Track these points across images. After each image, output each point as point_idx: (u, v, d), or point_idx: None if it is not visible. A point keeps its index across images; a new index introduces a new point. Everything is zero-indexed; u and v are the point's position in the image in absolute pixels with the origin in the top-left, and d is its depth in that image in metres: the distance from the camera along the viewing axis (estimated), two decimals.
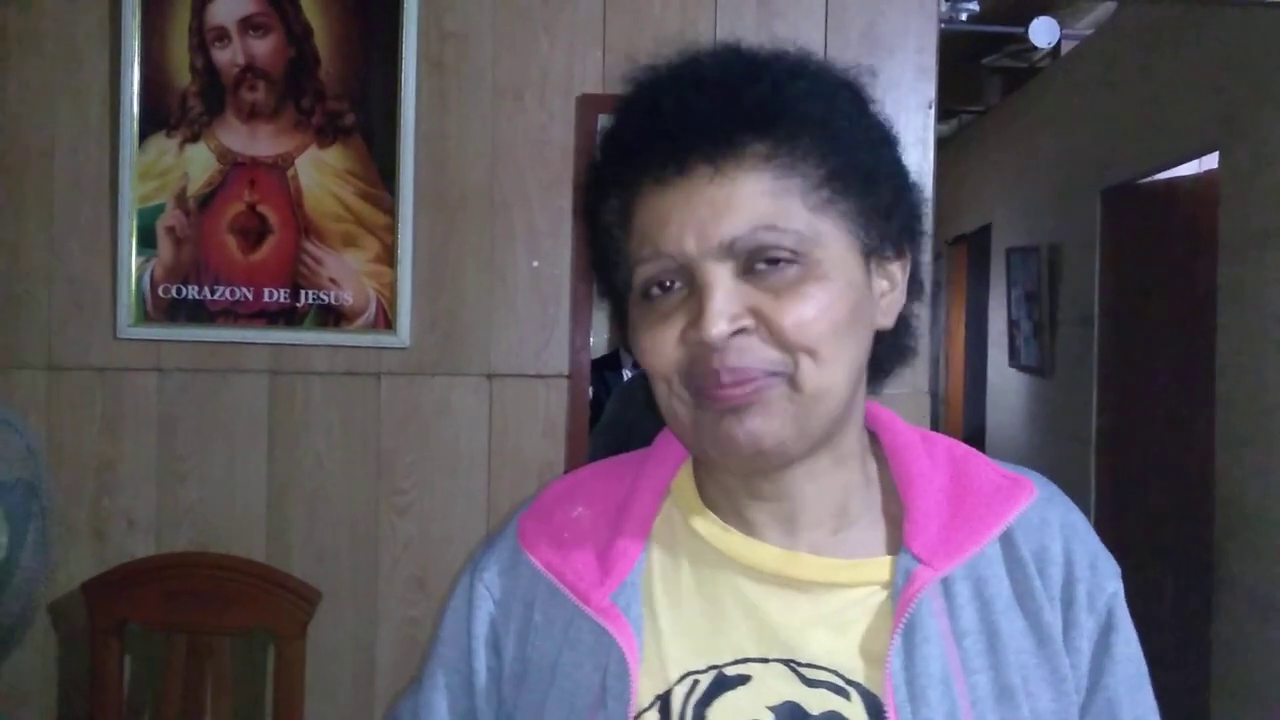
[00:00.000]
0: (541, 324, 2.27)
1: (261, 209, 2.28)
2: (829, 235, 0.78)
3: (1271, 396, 2.94)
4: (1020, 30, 4.81)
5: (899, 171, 0.84)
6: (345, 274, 2.27)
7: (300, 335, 2.27)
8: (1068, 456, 4.40)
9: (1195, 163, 3.74)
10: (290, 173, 2.28)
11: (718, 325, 0.75)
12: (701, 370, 0.77)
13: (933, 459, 0.87)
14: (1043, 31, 4.87)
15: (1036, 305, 4.98)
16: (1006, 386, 5.52)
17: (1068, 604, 0.83)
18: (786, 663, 0.80)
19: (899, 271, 0.84)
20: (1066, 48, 5.17)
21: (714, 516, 0.86)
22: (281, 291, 2.28)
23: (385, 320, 2.27)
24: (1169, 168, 3.83)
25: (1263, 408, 2.99)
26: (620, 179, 0.81)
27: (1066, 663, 0.82)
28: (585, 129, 2.24)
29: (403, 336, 2.26)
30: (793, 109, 0.78)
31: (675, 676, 0.80)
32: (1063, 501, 0.88)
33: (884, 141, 0.83)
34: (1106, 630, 0.84)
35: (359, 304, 2.27)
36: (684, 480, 0.90)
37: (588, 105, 2.24)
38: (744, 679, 0.80)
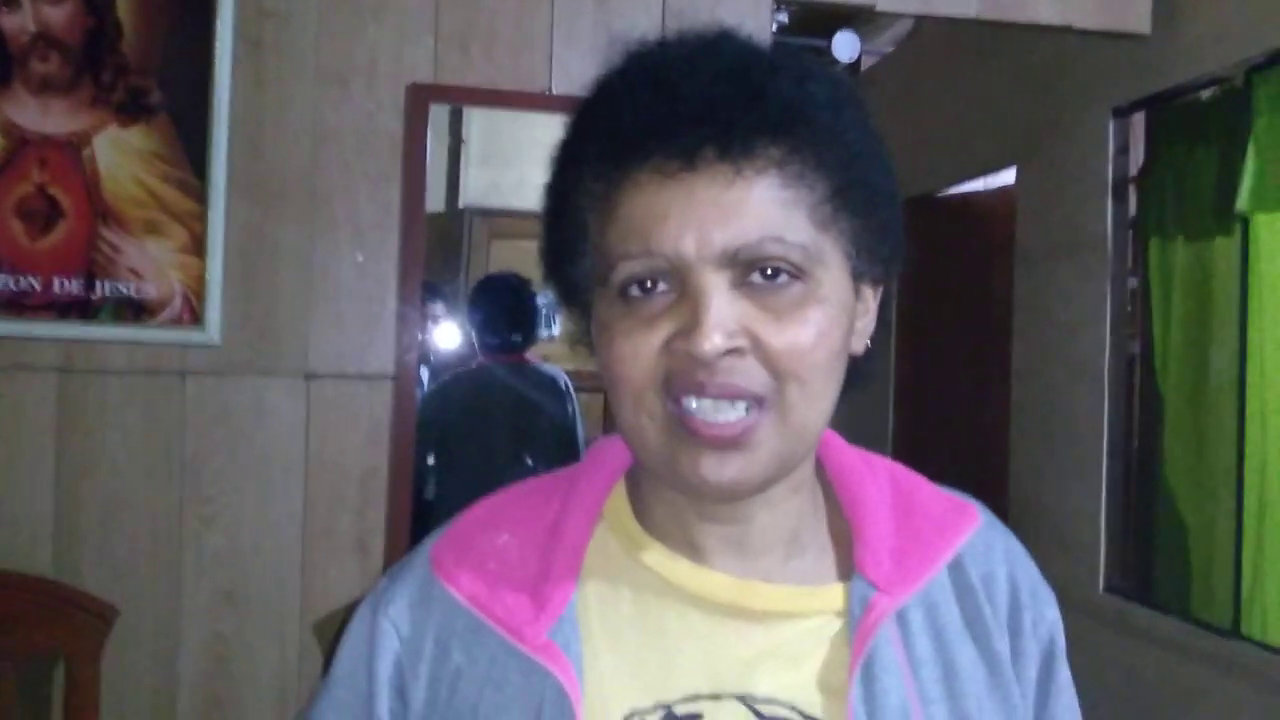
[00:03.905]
0: (365, 322, 2.16)
1: (52, 190, 2.08)
2: (829, 254, 0.73)
3: (1061, 401, 3.10)
4: (823, 43, 4.93)
5: (894, 192, 0.78)
6: (147, 264, 2.10)
7: (95, 330, 2.09)
8: None
9: (981, 180, 3.93)
10: (86, 153, 2.09)
11: (713, 339, 0.68)
12: (684, 385, 0.70)
13: (876, 481, 0.84)
14: (844, 46, 5.01)
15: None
16: None
17: (1015, 632, 0.82)
18: (741, 699, 0.75)
19: (872, 296, 0.80)
20: (867, 63, 5.34)
21: (656, 542, 0.80)
22: (74, 281, 2.08)
23: (192, 315, 2.11)
24: (967, 181, 4.00)
25: (1053, 412, 3.15)
26: (608, 161, 0.72)
27: (1016, 690, 0.80)
28: (416, 119, 2.14)
29: (211, 333, 2.11)
30: (812, 114, 0.72)
31: (619, 717, 0.74)
32: (1002, 528, 0.87)
33: (884, 159, 0.78)
34: (1049, 658, 0.83)
35: (163, 296, 2.10)
36: (618, 502, 0.83)
37: (418, 95, 2.15)
38: (695, 718, 0.74)
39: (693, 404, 0.70)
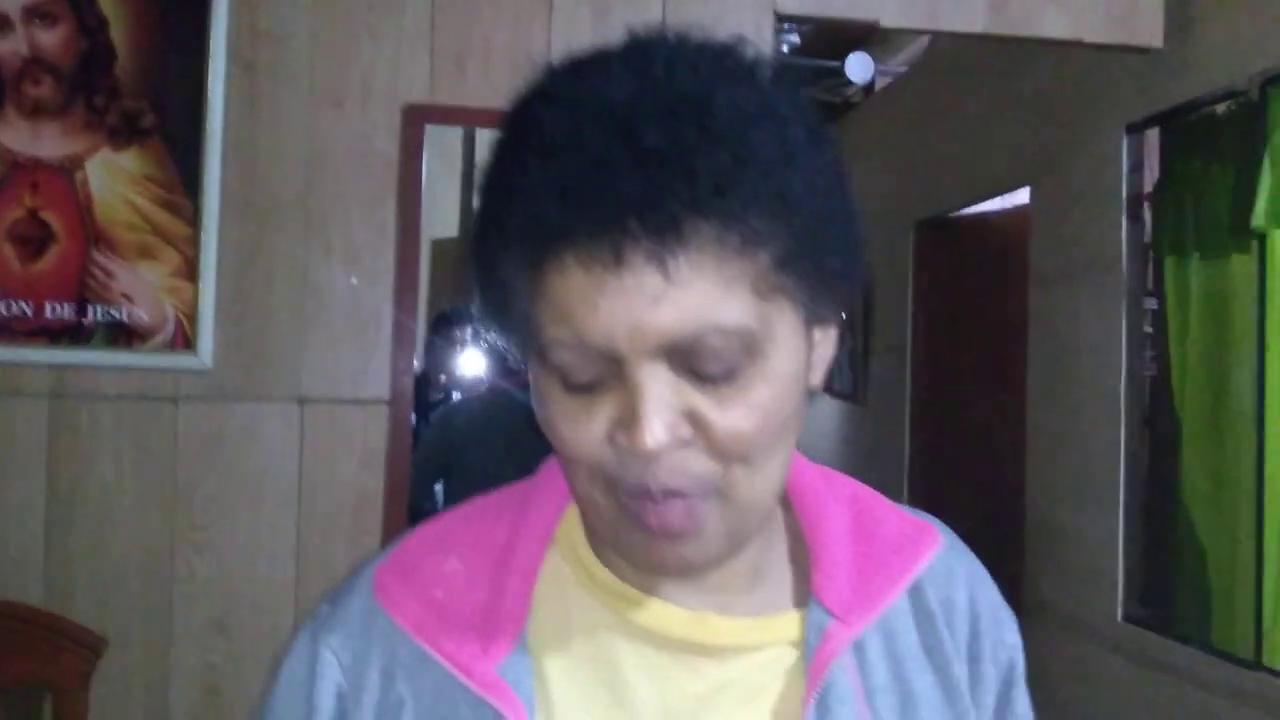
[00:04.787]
0: (360, 346, 2.13)
1: (44, 215, 2.06)
2: (778, 322, 0.66)
3: (1077, 424, 3.03)
4: (837, 64, 4.90)
5: (854, 235, 0.70)
6: (140, 288, 2.07)
7: (87, 355, 2.06)
8: (881, 483, 4.46)
9: (999, 199, 3.88)
10: (79, 176, 2.07)
11: (653, 438, 0.63)
12: (631, 483, 0.66)
13: (836, 501, 0.81)
14: (858, 67, 4.99)
15: (850, 334, 5.08)
16: (820, 413, 5.61)
17: (974, 658, 0.79)
18: None
19: (832, 326, 0.74)
20: (881, 84, 5.31)
21: (608, 572, 0.76)
22: (66, 306, 2.06)
23: (184, 340, 2.08)
24: (981, 202, 3.95)
25: (1069, 436, 3.09)
26: (532, 238, 0.65)
27: (974, 718, 0.77)
28: (411, 140, 2.11)
29: (204, 358, 2.08)
30: (754, 179, 0.63)
31: None
32: (964, 550, 0.84)
33: (842, 201, 0.69)
34: (1008, 685, 0.81)
35: (155, 321, 2.08)
36: (571, 525, 0.78)
37: (414, 115, 2.12)
38: None
39: (638, 505, 0.67)
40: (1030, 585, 3.29)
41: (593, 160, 0.63)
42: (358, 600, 0.77)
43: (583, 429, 0.66)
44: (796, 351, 0.68)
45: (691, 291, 0.63)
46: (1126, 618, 2.74)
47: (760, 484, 0.69)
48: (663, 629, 0.74)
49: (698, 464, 0.65)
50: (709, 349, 0.64)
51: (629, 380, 0.64)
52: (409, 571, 0.76)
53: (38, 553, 2.03)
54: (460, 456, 3.14)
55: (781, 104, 0.67)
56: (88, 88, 2.08)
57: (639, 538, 0.68)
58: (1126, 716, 2.69)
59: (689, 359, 0.64)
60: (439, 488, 3.26)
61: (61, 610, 2.00)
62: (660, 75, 0.65)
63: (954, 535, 0.84)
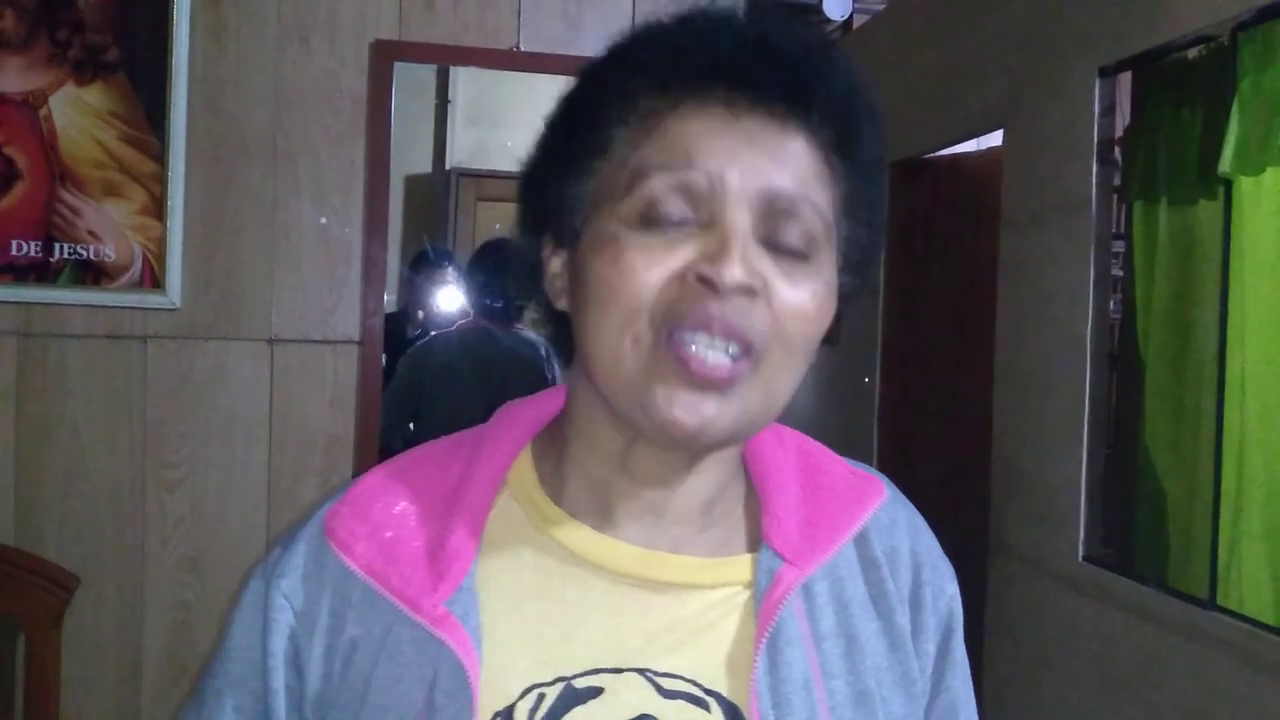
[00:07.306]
0: (329, 286, 2.12)
1: (8, 151, 2.04)
2: (833, 246, 0.74)
3: (1044, 369, 3.06)
4: (814, 2, 4.86)
5: (884, 221, 0.79)
6: (107, 226, 2.06)
7: (54, 293, 2.05)
8: (852, 423, 4.52)
9: (974, 141, 3.87)
10: (43, 112, 2.04)
11: (736, 270, 0.67)
12: (691, 316, 0.67)
13: (784, 453, 0.83)
14: (836, 3, 4.95)
15: None
16: None
17: (916, 606, 0.81)
18: (642, 672, 0.73)
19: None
20: (859, 22, 5.27)
21: (561, 510, 0.77)
22: (32, 244, 2.04)
23: (153, 278, 2.07)
24: (956, 143, 3.94)
25: (1036, 379, 3.11)
26: (675, 78, 0.71)
27: (915, 665, 0.79)
28: (380, 77, 2.09)
29: (172, 296, 2.07)
30: (864, 118, 0.74)
31: (518, 691, 0.72)
32: (905, 502, 0.86)
33: (886, 185, 0.80)
34: (947, 633, 0.83)
35: (123, 260, 2.07)
36: (523, 468, 0.80)
37: (382, 52, 2.10)
38: (595, 691, 0.72)
39: (689, 339, 0.68)
40: (995, 525, 3.34)
41: (761, 31, 0.73)
42: (308, 544, 0.78)
43: (656, 263, 0.69)
44: (833, 292, 0.74)
45: (800, 167, 0.71)
46: (1087, 557, 2.79)
47: (784, 381, 0.72)
48: (613, 564, 0.75)
49: (758, 321, 0.69)
50: (801, 217, 0.70)
51: (722, 219, 0.69)
52: (360, 514, 0.77)
53: (8, 491, 2.04)
54: (433, 395, 3.14)
55: (870, 93, 0.77)
56: (51, 22, 2.05)
57: (668, 388, 0.69)
58: (1084, 652, 2.75)
59: (778, 225, 0.70)
60: (413, 427, 3.26)
61: (33, 548, 2.01)
62: (777, 20, 0.75)
63: (896, 488, 0.85)
